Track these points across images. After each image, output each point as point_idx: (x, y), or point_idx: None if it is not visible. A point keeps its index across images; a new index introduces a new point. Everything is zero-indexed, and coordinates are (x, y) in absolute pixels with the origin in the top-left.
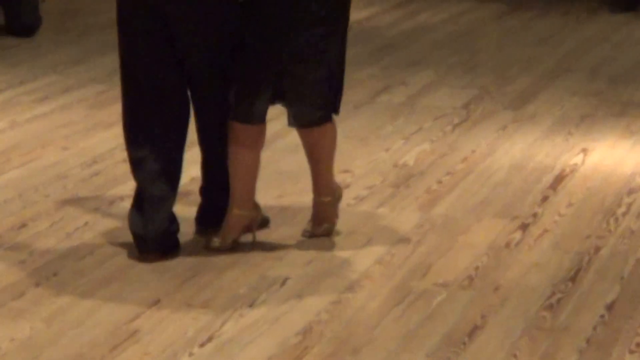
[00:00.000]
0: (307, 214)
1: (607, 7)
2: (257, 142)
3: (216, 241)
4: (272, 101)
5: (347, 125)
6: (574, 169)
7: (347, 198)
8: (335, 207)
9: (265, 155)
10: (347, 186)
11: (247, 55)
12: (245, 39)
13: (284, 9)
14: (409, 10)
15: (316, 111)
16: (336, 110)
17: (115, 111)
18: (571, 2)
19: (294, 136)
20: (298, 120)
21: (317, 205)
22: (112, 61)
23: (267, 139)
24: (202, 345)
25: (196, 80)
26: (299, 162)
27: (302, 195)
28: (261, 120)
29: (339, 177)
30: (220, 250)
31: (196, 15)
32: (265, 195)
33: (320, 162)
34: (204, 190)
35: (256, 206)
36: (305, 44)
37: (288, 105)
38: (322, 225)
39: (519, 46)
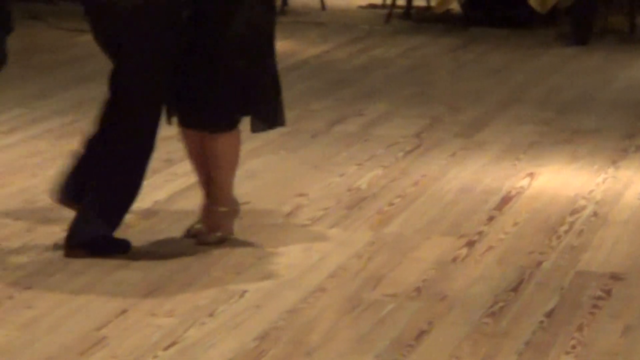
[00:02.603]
0: (268, 233)
1: (559, 41)
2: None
3: (215, 236)
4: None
5: (303, 152)
6: (520, 192)
7: (302, 219)
8: (231, 219)
9: None
10: (302, 208)
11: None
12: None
13: (211, 25)
14: (364, 45)
15: (227, 117)
16: (281, 122)
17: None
18: (524, 36)
19: (250, 162)
20: (207, 125)
21: (213, 213)
22: (75, 95)
23: None
24: (166, 349)
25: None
26: (256, 186)
27: (263, 216)
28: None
29: (294, 201)
30: (210, 245)
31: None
32: None
33: (221, 170)
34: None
35: (236, 201)
36: (227, 56)
37: (202, 108)
38: (214, 233)
39: (471, 78)
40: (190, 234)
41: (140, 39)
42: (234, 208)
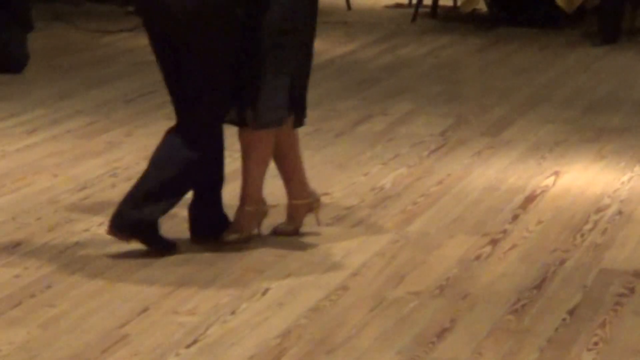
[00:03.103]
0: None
1: (587, 40)
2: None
3: (233, 236)
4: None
5: (327, 152)
6: (545, 190)
7: (325, 218)
8: (256, 219)
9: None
10: (326, 207)
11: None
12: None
13: (251, 18)
14: (390, 45)
15: (268, 114)
16: (303, 122)
17: (102, 141)
18: (550, 35)
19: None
20: (251, 121)
21: (239, 212)
22: (97, 95)
23: None
24: (188, 346)
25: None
26: (280, 185)
27: (286, 214)
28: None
29: None
30: (236, 244)
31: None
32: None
33: (251, 166)
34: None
35: (264, 201)
36: (265, 52)
37: (243, 106)
38: (235, 233)
39: (498, 77)
40: (277, 231)
41: (197, 41)
42: (260, 209)
